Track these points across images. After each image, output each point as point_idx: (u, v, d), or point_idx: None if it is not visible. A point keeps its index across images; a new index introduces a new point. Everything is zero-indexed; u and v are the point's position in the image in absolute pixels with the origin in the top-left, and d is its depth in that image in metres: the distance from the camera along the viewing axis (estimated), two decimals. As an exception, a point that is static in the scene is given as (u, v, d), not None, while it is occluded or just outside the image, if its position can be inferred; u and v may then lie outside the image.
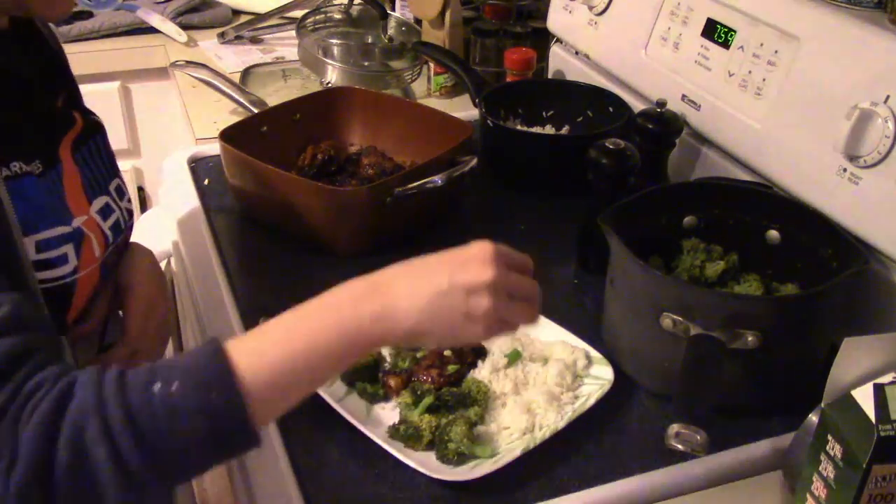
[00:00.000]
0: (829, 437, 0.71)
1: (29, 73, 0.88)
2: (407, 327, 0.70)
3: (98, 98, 1.28)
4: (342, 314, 0.69)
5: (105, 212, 0.91)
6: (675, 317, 0.88)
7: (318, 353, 0.67)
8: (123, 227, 0.95)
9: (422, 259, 0.74)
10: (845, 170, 0.99)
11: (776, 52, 1.10)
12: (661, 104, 1.23)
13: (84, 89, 1.02)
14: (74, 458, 0.59)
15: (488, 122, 1.37)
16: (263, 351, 0.67)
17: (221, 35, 1.99)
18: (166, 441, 0.61)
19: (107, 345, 1.00)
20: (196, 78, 1.69)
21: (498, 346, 0.99)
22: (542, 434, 0.88)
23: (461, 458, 0.85)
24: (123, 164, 1.96)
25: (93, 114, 0.98)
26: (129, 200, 0.99)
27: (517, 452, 0.85)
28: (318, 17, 1.81)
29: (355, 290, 0.72)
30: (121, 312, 0.99)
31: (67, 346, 0.83)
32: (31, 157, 0.82)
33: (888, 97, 0.94)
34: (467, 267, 0.72)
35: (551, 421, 0.89)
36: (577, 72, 1.55)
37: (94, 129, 0.95)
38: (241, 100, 1.63)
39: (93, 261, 0.88)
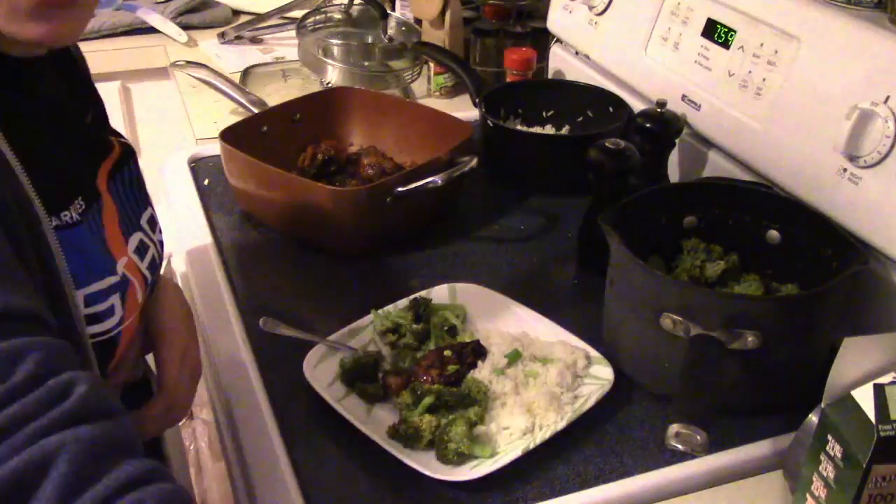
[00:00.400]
0: (829, 437, 0.71)
1: (64, 98, 0.82)
2: None
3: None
4: None
5: (141, 250, 0.84)
6: (675, 317, 0.88)
7: None
8: (159, 264, 0.88)
9: None
10: (845, 170, 0.99)
11: (776, 52, 1.10)
12: (661, 104, 1.23)
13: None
14: None
15: (488, 122, 1.37)
16: None
17: (221, 35, 1.99)
18: None
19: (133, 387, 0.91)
20: (196, 78, 1.69)
21: (498, 346, 0.99)
22: (542, 434, 0.88)
23: (461, 458, 0.85)
24: (123, 164, 1.97)
25: (120, 135, 0.90)
26: (161, 231, 0.92)
27: (517, 452, 0.85)
28: (318, 17, 1.81)
29: None
30: (152, 361, 0.91)
31: None
32: (74, 194, 0.75)
33: (888, 97, 0.94)
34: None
35: (551, 421, 0.89)
36: (577, 72, 1.55)
37: (128, 154, 0.87)
38: (241, 100, 1.63)
39: (136, 308, 0.82)
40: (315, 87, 1.70)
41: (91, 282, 0.74)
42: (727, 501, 0.85)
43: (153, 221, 0.89)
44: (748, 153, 1.15)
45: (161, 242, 0.90)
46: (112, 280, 0.77)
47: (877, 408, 0.67)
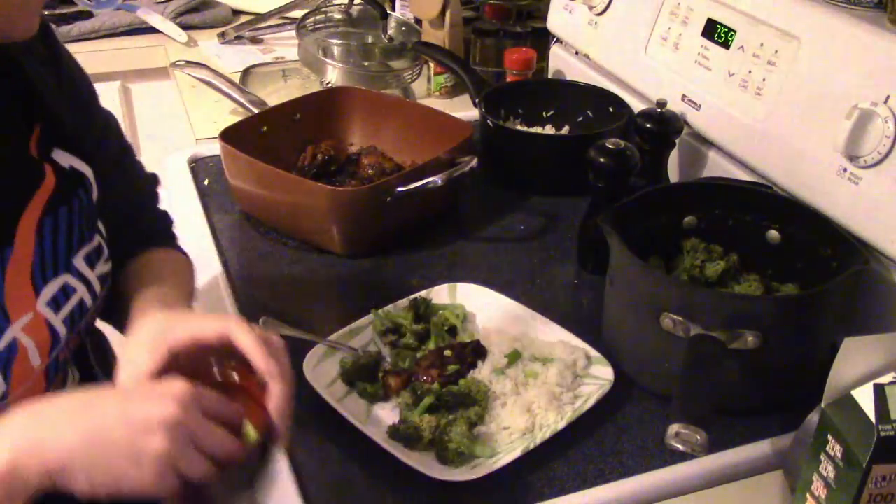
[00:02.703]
0: (829, 437, 0.71)
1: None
2: (51, 466, 0.57)
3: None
4: None
5: (60, 299, 0.74)
6: (675, 317, 0.88)
7: None
8: (90, 307, 0.78)
9: (99, 389, 0.64)
10: (845, 170, 0.99)
11: (776, 52, 1.10)
12: (661, 104, 1.23)
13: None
14: None
15: (488, 122, 1.37)
16: None
17: (221, 35, 1.99)
18: None
19: None
20: (196, 78, 1.69)
21: (498, 346, 0.99)
22: (542, 434, 0.88)
23: (461, 458, 0.85)
24: (123, 164, 1.97)
25: (79, 152, 0.79)
26: (108, 260, 0.81)
27: (517, 452, 0.85)
28: (318, 17, 1.81)
29: (12, 431, 0.59)
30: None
31: None
32: None
33: (888, 97, 0.94)
34: (145, 400, 0.60)
35: (551, 421, 0.89)
36: (577, 72, 1.55)
37: (72, 185, 0.75)
38: (241, 100, 1.63)
39: (29, 374, 0.70)
40: (315, 87, 1.70)
41: None
42: (727, 501, 0.85)
43: (97, 254, 0.79)
44: (748, 153, 1.15)
45: (103, 277, 0.80)
46: None
47: (877, 408, 0.67)
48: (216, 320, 0.70)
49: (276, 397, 0.68)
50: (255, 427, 0.67)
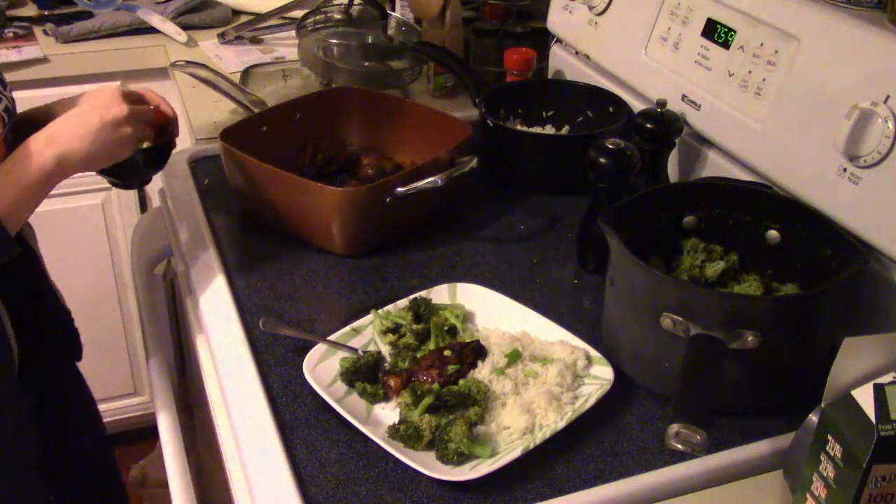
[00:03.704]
0: (829, 437, 0.71)
1: None
2: (81, 160, 0.97)
3: (98, 98, 1.28)
4: (36, 163, 0.95)
5: None
6: (675, 317, 0.88)
7: (29, 190, 0.95)
8: (13, 111, 1.06)
9: (73, 112, 1.00)
10: (845, 170, 0.99)
11: (776, 52, 1.10)
12: (661, 104, 1.23)
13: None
14: None
15: (488, 122, 1.37)
16: (4, 203, 0.93)
17: (221, 35, 1.99)
18: None
19: None
20: (196, 78, 1.69)
21: (498, 346, 0.99)
22: (542, 434, 0.88)
23: (461, 458, 0.85)
24: (123, 164, 1.97)
25: None
26: (11, 90, 1.09)
27: (517, 452, 0.85)
28: (318, 17, 1.81)
29: (38, 144, 0.96)
30: None
31: None
32: None
33: (888, 97, 0.94)
34: (108, 108, 0.99)
35: (551, 421, 0.89)
36: (577, 72, 1.55)
37: None
38: (241, 100, 1.63)
39: None
40: (315, 87, 1.70)
41: None
42: (727, 501, 0.85)
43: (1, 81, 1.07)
44: (748, 153, 1.15)
45: (13, 100, 1.08)
46: None
47: (877, 408, 0.67)
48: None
49: (167, 107, 1.14)
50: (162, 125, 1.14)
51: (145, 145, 1.09)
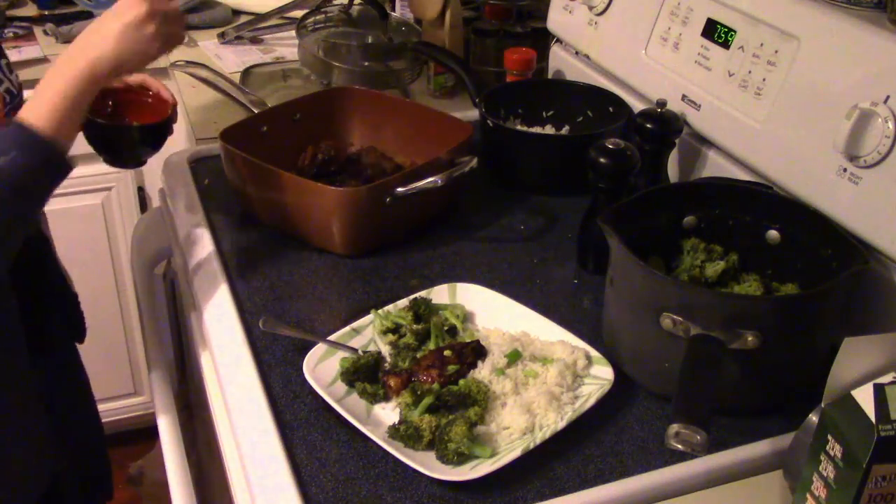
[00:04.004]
0: (829, 437, 0.71)
1: None
2: (111, 64, 0.98)
3: (98, 98, 1.28)
4: (69, 74, 0.96)
5: None
6: (675, 317, 0.88)
7: (67, 99, 0.95)
8: (16, 93, 1.09)
9: (96, 21, 1.00)
10: (845, 170, 0.99)
11: (776, 52, 1.10)
12: (661, 104, 1.23)
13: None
14: None
15: (488, 122, 1.37)
16: (39, 113, 0.94)
17: (221, 35, 1.99)
18: (23, 184, 0.91)
19: None
20: (196, 78, 1.69)
21: (498, 346, 0.99)
22: (542, 434, 0.88)
23: (461, 458, 0.85)
24: (123, 164, 1.96)
25: None
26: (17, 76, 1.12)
27: (517, 452, 0.85)
28: (318, 17, 1.81)
29: (67, 56, 0.97)
30: None
31: None
32: None
33: (888, 97, 0.94)
34: (128, 10, 0.98)
35: (551, 421, 0.89)
36: (577, 72, 1.55)
37: None
38: (241, 100, 1.63)
39: None
40: (315, 87, 1.70)
41: None
42: (727, 501, 0.85)
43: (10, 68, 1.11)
44: (748, 153, 1.15)
45: (18, 84, 1.11)
46: None
47: (877, 408, 0.67)
48: None
49: (167, 92, 1.17)
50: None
51: (141, 123, 1.12)
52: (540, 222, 1.30)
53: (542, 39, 1.70)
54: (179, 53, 1.93)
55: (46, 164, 0.93)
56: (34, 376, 1.12)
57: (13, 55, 1.85)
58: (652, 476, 0.86)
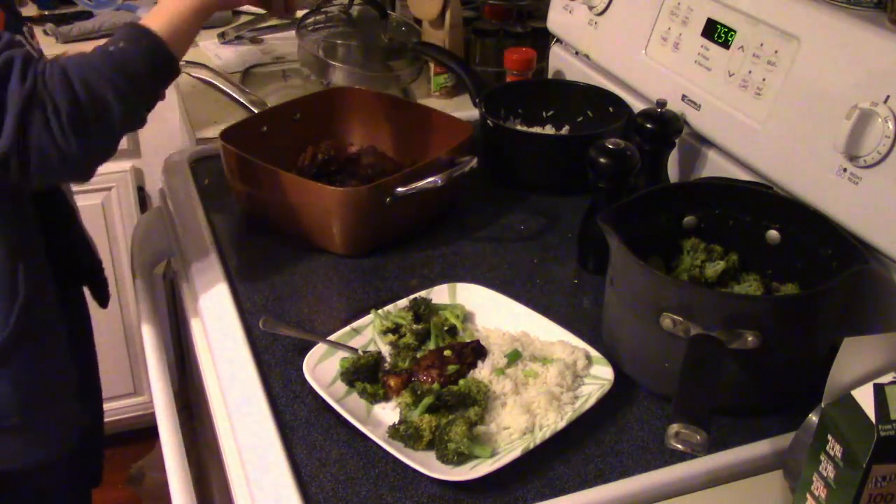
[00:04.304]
0: (829, 437, 0.71)
1: None
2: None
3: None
4: (191, 2, 1.02)
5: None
6: (675, 317, 0.88)
7: (182, 18, 1.01)
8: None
9: None
10: (845, 170, 0.99)
11: (776, 52, 1.10)
12: (661, 104, 1.23)
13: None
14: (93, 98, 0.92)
15: (488, 122, 1.37)
16: (164, 29, 0.99)
17: (221, 35, 1.99)
18: (136, 73, 0.96)
19: None
20: (196, 78, 1.69)
21: (498, 346, 0.99)
22: (542, 434, 0.88)
23: (461, 458, 0.85)
24: (123, 165, 1.97)
25: None
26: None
27: (517, 452, 0.85)
28: (318, 17, 1.81)
29: None
30: None
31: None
32: None
33: (888, 97, 0.94)
34: None
35: (551, 421, 0.89)
36: (577, 72, 1.55)
37: None
38: (241, 100, 1.63)
39: None
40: (315, 87, 1.70)
41: None
42: (727, 501, 0.85)
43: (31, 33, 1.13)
44: (748, 153, 1.15)
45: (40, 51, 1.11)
46: None
47: (877, 408, 0.67)
48: None
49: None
50: None
51: None
52: (540, 222, 1.30)
53: (542, 39, 1.70)
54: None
55: (153, 57, 0.97)
56: (63, 326, 1.15)
57: (13, 55, 1.85)
58: (652, 476, 0.86)
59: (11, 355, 1.06)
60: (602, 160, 1.10)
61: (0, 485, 1.14)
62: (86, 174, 0.98)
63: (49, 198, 1.17)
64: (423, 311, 1.03)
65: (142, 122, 1.04)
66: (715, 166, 1.23)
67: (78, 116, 0.91)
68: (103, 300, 1.35)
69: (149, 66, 0.97)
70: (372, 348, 1.01)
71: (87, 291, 1.36)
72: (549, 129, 1.47)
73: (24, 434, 1.10)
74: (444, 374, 0.94)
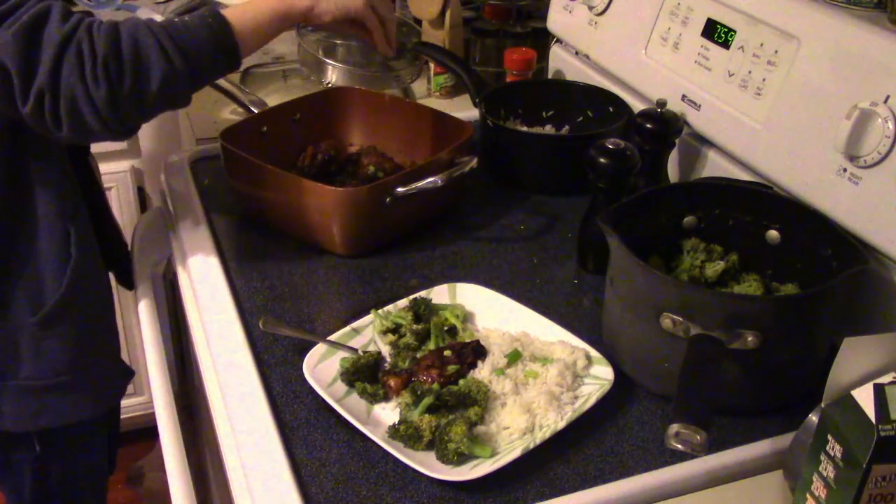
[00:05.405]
0: (829, 437, 0.71)
1: None
2: (308, 5, 1.08)
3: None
4: (274, 5, 1.06)
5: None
6: (675, 317, 0.88)
7: (263, 22, 1.04)
8: None
9: None
10: (845, 170, 0.99)
11: (776, 52, 1.10)
12: (661, 104, 1.23)
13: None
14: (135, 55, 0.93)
15: (488, 122, 1.37)
16: (238, 20, 1.01)
17: (221, 35, 1.99)
18: (191, 47, 0.97)
19: None
20: (196, 78, 1.68)
21: (498, 346, 0.99)
22: (542, 434, 0.88)
23: (461, 458, 0.85)
24: (123, 164, 1.97)
25: None
26: None
27: (517, 452, 0.85)
28: (318, 18, 1.80)
29: None
30: None
31: None
32: None
33: (888, 97, 0.94)
34: None
35: (551, 421, 0.89)
36: (577, 72, 1.55)
37: None
38: (241, 100, 1.63)
39: None
40: (315, 87, 1.70)
41: None
42: (727, 501, 0.85)
43: None
44: (748, 153, 1.15)
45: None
46: None
47: (877, 408, 0.67)
48: None
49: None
50: None
51: None
52: (540, 222, 1.30)
53: (542, 39, 1.70)
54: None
55: (216, 39, 0.99)
56: (109, 289, 1.21)
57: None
58: (652, 476, 0.86)
59: (63, 316, 1.10)
60: (602, 160, 1.10)
61: (43, 440, 1.18)
62: (112, 130, 0.96)
63: (87, 177, 1.20)
64: (423, 312, 1.03)
65: (183, 100, 1.04)
66: (715, 166, 1.23)
67: (114, 65, 0.92)
68: (131, 283, 1.36)
69: (208, 47, 0.98)
70: (372, 348, 1.01)
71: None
72: (549, 129, 1.47)
73: (73, 392, 1.14)
74: (444, 374, 0.94)
